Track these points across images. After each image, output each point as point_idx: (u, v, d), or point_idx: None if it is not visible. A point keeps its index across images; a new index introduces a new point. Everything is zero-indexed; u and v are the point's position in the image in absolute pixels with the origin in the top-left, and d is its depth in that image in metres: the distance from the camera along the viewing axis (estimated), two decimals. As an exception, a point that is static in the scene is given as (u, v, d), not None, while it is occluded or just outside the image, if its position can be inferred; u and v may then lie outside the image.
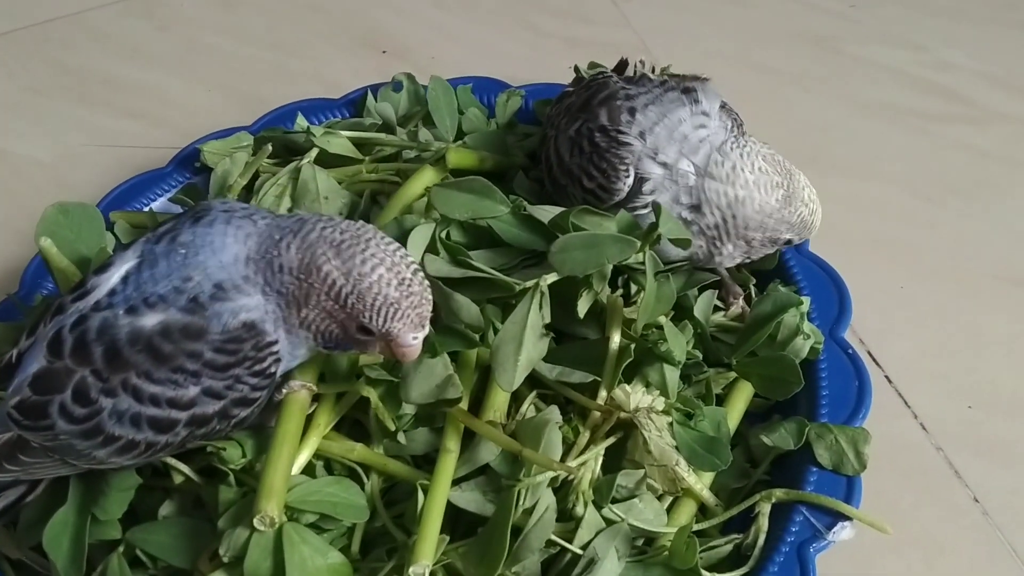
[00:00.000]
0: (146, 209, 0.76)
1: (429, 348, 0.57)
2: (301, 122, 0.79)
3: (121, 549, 0.53)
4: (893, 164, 0.83)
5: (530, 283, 0.57)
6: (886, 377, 0.67)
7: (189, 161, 0.79)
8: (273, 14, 1.03)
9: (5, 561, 0.59)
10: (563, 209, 0.59)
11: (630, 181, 0.61)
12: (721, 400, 0.62)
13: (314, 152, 0.71)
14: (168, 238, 0.52)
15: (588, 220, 0.58)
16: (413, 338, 0.51)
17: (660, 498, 0.57)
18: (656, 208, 0.58)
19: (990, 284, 0.76)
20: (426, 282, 0.51)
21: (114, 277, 0.51)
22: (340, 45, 0.99)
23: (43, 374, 0.50)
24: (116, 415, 0.49)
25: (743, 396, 0.62)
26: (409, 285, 0.49)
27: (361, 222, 0.52)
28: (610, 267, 0.57)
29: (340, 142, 0.71)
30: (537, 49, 0.98)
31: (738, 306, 0.67)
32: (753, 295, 0.68)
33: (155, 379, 0.49)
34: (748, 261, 0.65)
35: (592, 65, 0.81)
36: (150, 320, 0.49)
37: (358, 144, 0.73)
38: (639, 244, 0.56)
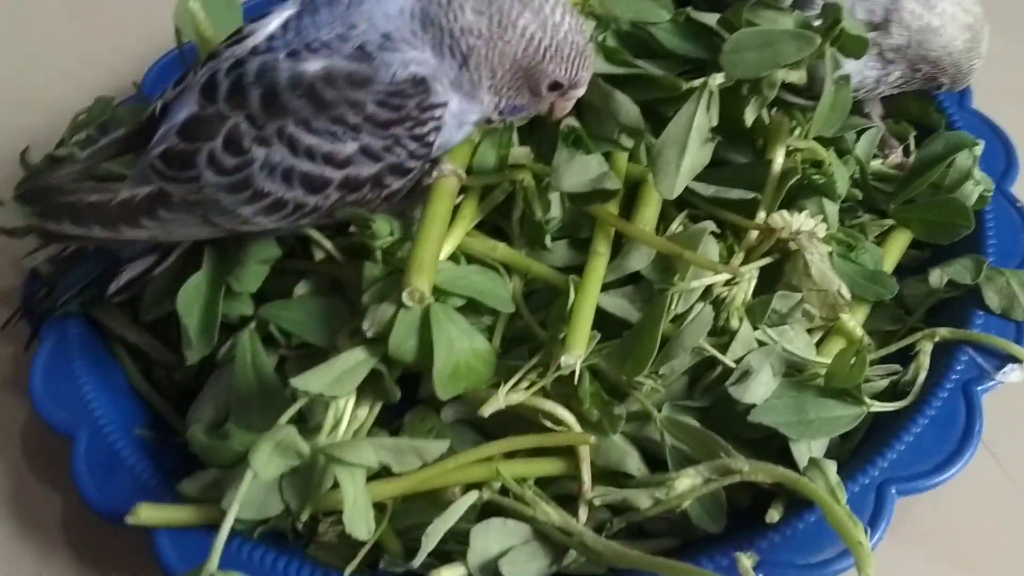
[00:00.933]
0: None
1: (583, 146, 0.54)
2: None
3: (253, 325, 0.51)
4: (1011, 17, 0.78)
5: (697, 82, 0.53)
6: None
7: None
8: None
9: (118, 343, 0.57)
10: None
11: None
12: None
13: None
14: None
15: (763, 15, 0.54)
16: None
17: (809, 332, 0.54)
18: (831, 7, 0.53)
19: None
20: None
21: (273, 23, 0.48)
22: None
23: (193, 120, 0.47)
24: (268, 168, 0.46)
25: (899, 244, 0.59)
26: (586, 34, 0.49)
27: None
28: (781, 74, 0.53)
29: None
30: None
31: (897, 155, 0.63)
32: (912, 147, 0.64)
33: (313, 129, 0.46)
34: (893, 93, 0.62)
35: None
36: (313, 65, 0.46)
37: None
38: (819, 40, 0.52)
